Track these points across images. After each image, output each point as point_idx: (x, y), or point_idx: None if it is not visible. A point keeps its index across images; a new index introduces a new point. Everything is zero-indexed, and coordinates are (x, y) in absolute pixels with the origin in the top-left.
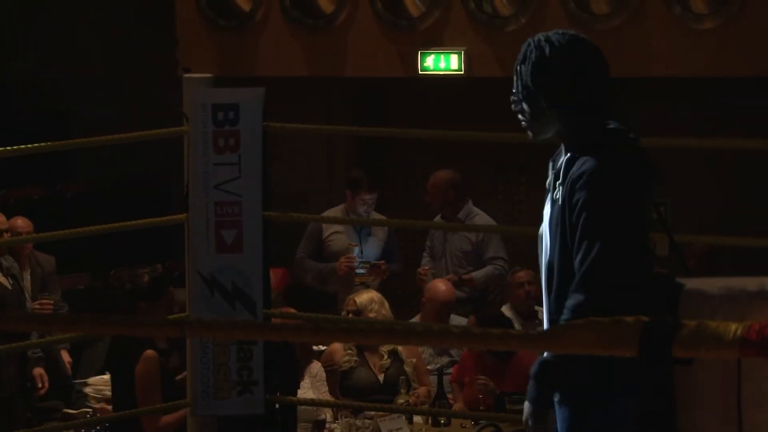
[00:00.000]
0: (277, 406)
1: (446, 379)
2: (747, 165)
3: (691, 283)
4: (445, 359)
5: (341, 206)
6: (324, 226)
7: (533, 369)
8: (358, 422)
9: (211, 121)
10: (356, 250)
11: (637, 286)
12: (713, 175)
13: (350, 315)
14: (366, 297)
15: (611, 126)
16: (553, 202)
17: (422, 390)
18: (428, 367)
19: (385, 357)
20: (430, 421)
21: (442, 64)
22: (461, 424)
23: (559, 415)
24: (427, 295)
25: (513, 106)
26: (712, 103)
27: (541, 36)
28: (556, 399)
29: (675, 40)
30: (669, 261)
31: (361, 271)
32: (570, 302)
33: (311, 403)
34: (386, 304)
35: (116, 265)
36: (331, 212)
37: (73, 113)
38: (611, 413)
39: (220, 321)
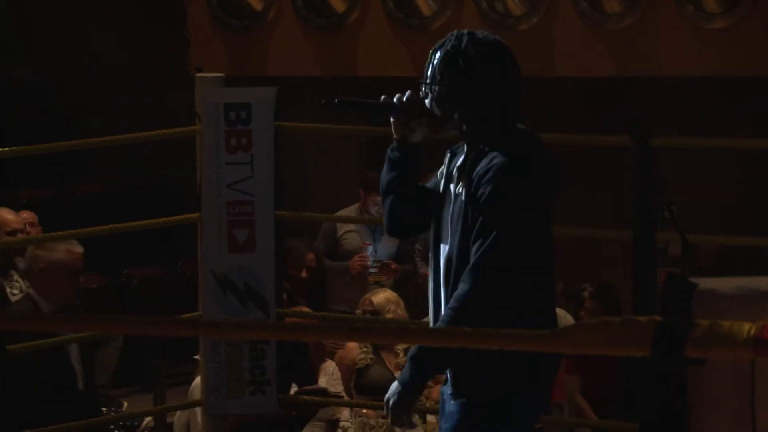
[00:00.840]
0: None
1: None
2: (760, 164)
3: (704, 283)
4: None
5: (355, 205)
6: (338, 224)
7: (411, 351)
8: (372, 421)
9: (223, 121)
10: (370, 249)
11: (524, 281)
12: (726, 174)
13: (367, 315)
14: (383, 297)
15: (518, 127)
16: (455, 196)
17: (436, 388)
18: None
19: (401, 355)
20: None
21: None
22: None
23: (450, 409)
24: None
25: (420, 92)
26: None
27: (465, 30)
28: (449, 392)
29: (686, 40)
30: (681, 261)
31: (374, 270)
32: (457, 291)
33: (323, 402)
34: (402, 304)
35: (128, 264)
36: (344, 212)
37: (83, 114)
38: (505, 411)
39: (233, 321)
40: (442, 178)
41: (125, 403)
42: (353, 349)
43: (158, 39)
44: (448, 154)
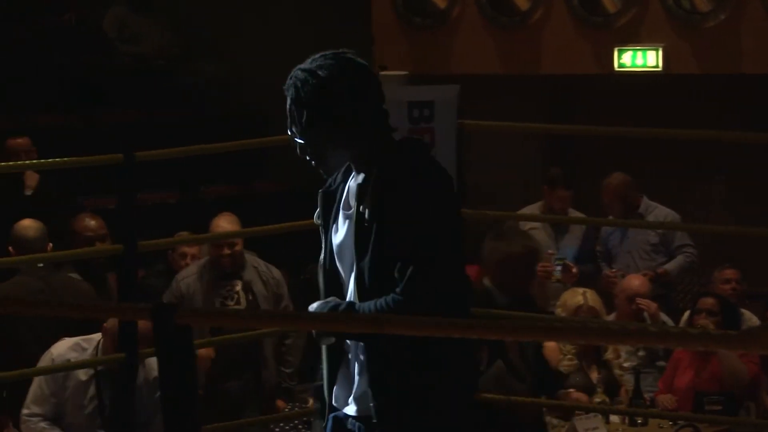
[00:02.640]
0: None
1: (642, 377)
2: None
3: None
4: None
5: (539, 203)
6: (521, 222)
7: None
8: (554, 420)
9: (406, 119)
10: (554, 258)
11: (451, 291)
12: None
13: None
14: (593, 296)
15: (402, 137)
16: (361, 217)
17: (621, 389)
18: (624, 365)
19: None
20: (627, 421)
21: (639, 61)
22: (659, 425)
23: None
24: (621, 294)
25: (299, 152)
26: None
27: (303, 66)
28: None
29: None
30: None
31: (558, 269)
32: (381, 301)
33: (504, 401)
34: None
35: (313, 260)
36: (528, 209)
37: (269, 112)
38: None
39: (420, 318)
40: (320, 219)
41: (311, 400)
42: (553, 349)
43: (342, 37)
44: (321, 194)
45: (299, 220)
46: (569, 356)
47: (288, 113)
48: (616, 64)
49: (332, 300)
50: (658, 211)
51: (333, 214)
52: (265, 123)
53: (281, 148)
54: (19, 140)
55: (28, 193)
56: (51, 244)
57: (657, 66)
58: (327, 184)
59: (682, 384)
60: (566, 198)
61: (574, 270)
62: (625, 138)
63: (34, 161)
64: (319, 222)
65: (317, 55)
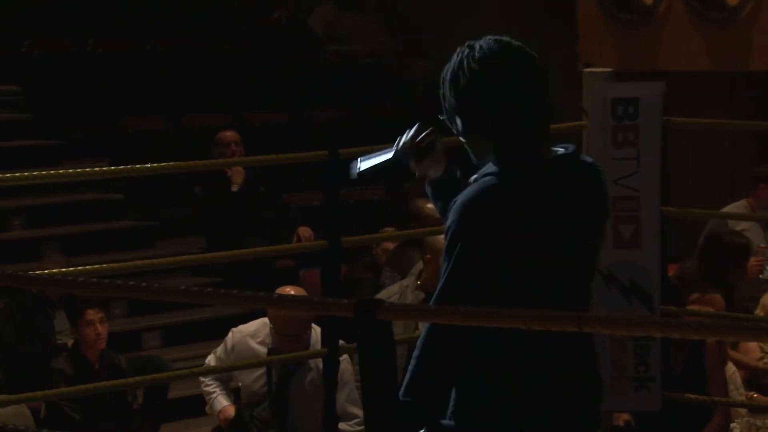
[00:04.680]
0: None
1: None
2: None
3: None
4: None
5: (743, 201)
6: (728, 222)
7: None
8: (758, 422)
9: (610, 116)
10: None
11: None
12: None
13: None
14: None
15: (551, 151)
16: None
17: None
18: None
19: None
20: None
21: None
22: None
23: None
24: None
25: (447, 122)
26: None
27: (475, 41)
28: None
29: None
30: None
31: None
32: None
33: (707, 401)
34: None
35: None
36: (731, 207)
37: None
38: None
39: (617, 316)
40: None
41: None
42: (752, 349)
43: (548, 34)
44: None
45: None
46: None
47: (442, 81)
48: None
49: None
50: None
51: None
52: None
53: None
54: (228, 133)
55: (235, 189)
56: None
57: None
58: None
59: None
60: None
61: None
62: None
63: (240, 158)
64: None
65: (494, 39)
